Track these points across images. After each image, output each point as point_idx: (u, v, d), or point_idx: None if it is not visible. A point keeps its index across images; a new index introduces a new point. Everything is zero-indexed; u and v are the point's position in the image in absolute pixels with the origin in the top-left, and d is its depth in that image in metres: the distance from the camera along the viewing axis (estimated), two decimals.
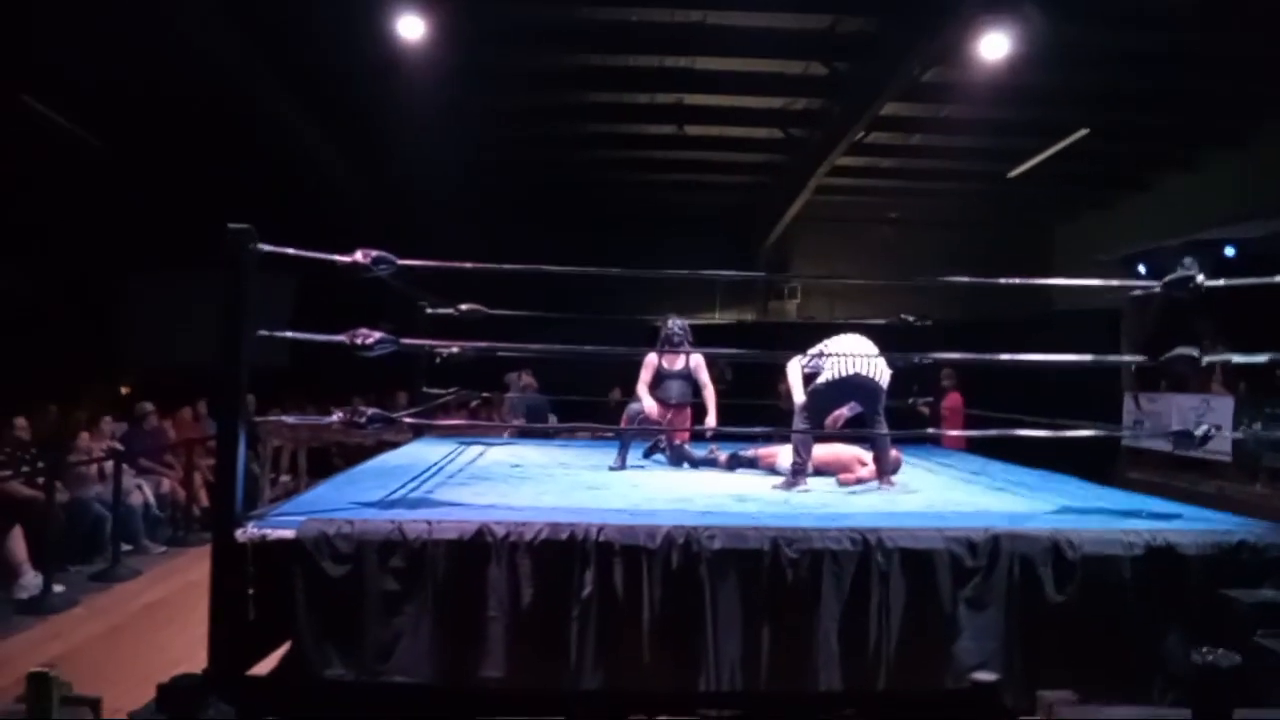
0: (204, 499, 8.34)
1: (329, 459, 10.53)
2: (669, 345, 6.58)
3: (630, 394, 11.72)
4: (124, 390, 10.92)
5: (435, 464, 6.32)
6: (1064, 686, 3.21)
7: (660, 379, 6.59)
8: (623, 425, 6.74)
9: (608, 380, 12.27)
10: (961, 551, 4.02)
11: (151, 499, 7.48)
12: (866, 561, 3.99)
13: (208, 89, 9.80)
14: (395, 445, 9.10)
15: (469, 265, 4.77)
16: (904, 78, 9.33)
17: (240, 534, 3.87)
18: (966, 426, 7.92)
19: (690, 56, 9.83)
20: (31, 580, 5.74)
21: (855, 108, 10.24)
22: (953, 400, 8.65)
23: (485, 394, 9.08)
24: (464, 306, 7.64)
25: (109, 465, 7.07)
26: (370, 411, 4.30)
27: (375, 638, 3.86)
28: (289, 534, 3.90)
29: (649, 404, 6.49)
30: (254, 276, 3.99)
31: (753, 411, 6.81)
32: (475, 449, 7.48)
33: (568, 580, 3.91)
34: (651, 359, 6.61)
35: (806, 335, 6.40)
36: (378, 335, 4.31)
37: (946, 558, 4.00)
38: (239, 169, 11.56)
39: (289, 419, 5.55)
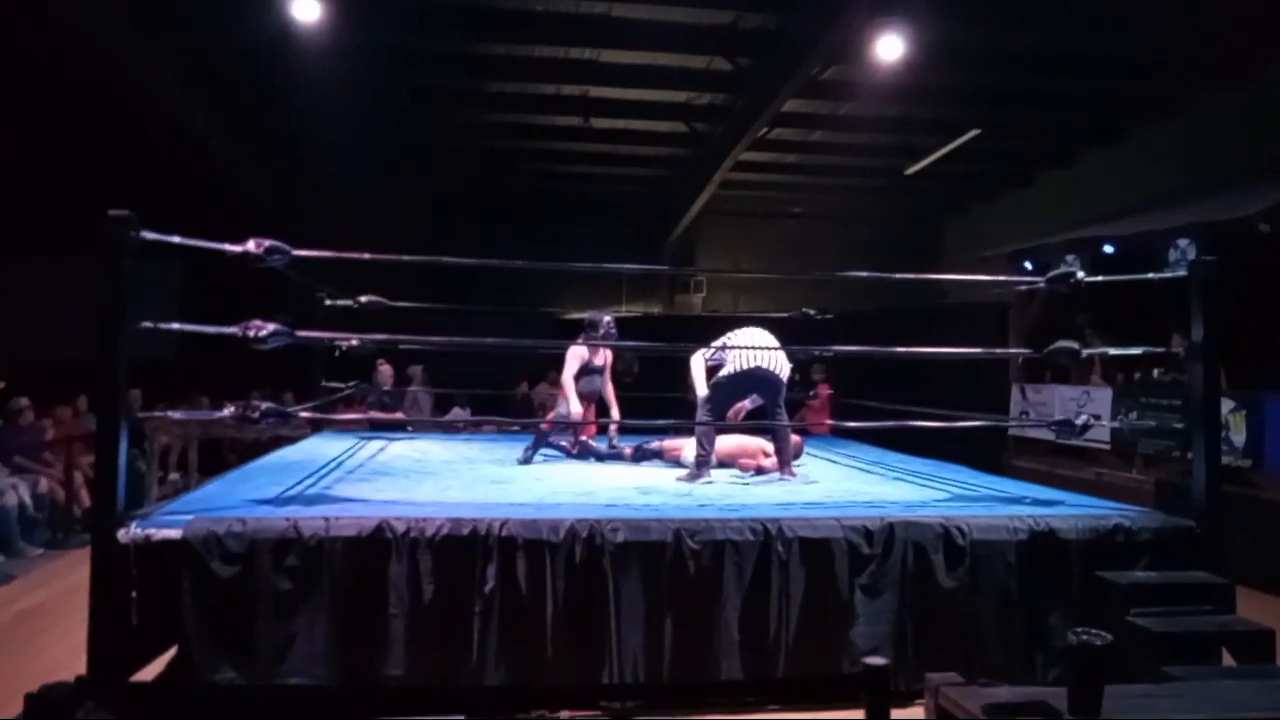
0: (85, 499, 7.94)
1: (222, 456, 10.16)
2: (600, 339, 6.46)
3: (535, 386, 11.72)
4: None
5: (334, 459, 6.16)
6: (955, 667, 3.34)
7: (585, 373, 6.50)
8: (545, 426, 6.67)
9: (514, 372, 12.20)
10: (858, 540, 4.13)
11: (28, 499, 7.07)
12: (767, 551, 4.06)
13: (90, 67, 9.32)
14: (292, 441, 8.87)
15: (366, 256, 4.65)
16: (804, 75, 9.49)
17: (123, 534, 3.70)
18: (838, 416, 8.18)
19: (595, 49, 9.79)
20: None
21: (757, 103, 10.37)
22: (823, 391, 9.17)
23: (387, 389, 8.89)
24: (364, 298, 7.47)
25: None
26: (265, 406, 4.15)
27: (268, 640, 3.75)
28: (175, 534, 3.75)
29: (576, 407, 6.35)
30: (134, 265, 3.80)
31: (658, 404, 6.81)
32: (376, 443, 7.32)
33: (470, 576, 3.87)
34: (580, 352, 6.46)
35: (711, 328, 6.45)
36: (271, 327, 4.16)
37: (844, 545, 4.11)
38: (123, 152, 11.04)
39: (176, 414, 5.29)
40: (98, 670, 3.59)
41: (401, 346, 8.31)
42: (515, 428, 9.81)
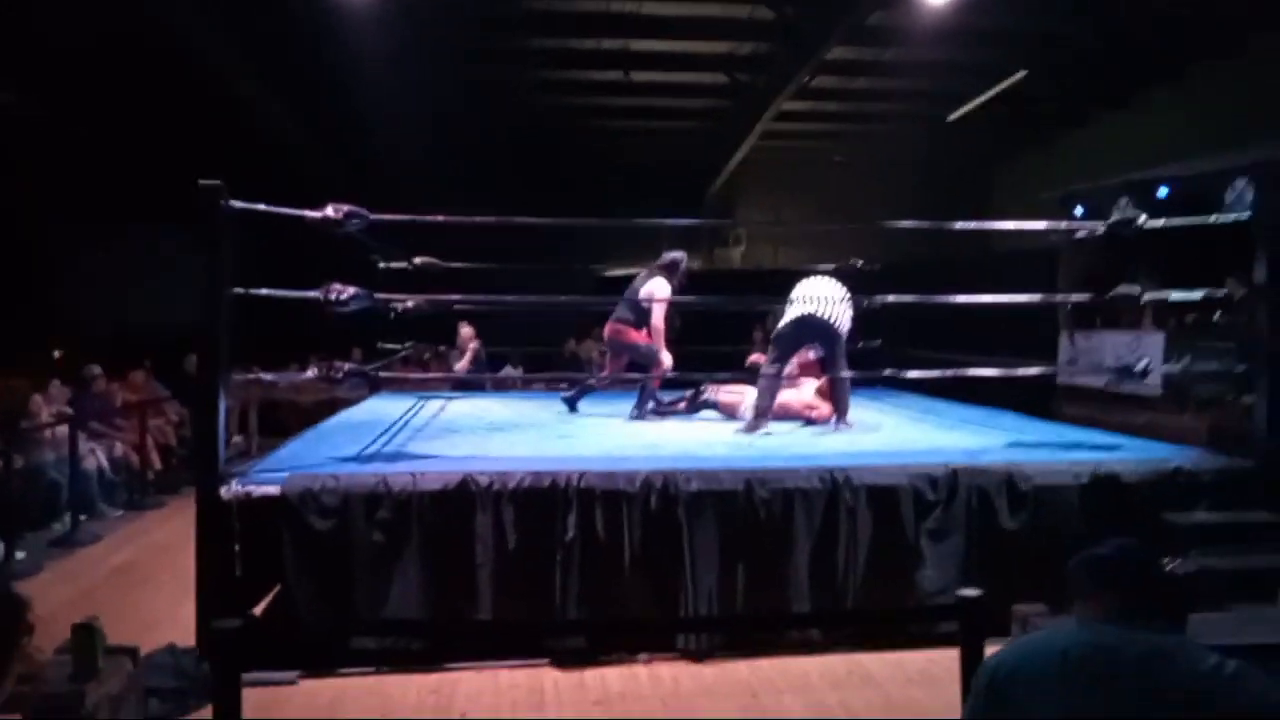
0: (157, 462, 8.25)
1: (281, 418, 10.44)
2: (679, 280, 6.44)
3: (581, 343, 11.85)
4: (57, 355, 10.63)
5: (401, 419, 6.36)
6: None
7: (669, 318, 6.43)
8: (655, 383, 6.49)
9: (559, 330, 12.33)
10: (923, 486, 4.25)
11: (105, 463, 7.37)
12: (835, 499, 4.20)
13: (146, 42, 9.46)
14: (349, 402, 9.09)
15: (440, 218, 4.77)
16: (849, 21, 9.39)
17: (225, 491, 3.91)
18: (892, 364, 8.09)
19: (636, 1, 9.77)
20: None
21: (801, 52, 10.28)
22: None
23: (440, 347, 9.06)
24: (418, 260, 7.60)
25: (59, 430, 6.95)
26: (347, 366, 4.33)
27: (364, 589, 3.97)
28: (274, 490, 3.96)
29: (668, 357, 6.29)
30: (228, 234, 3.97)
31: (703, 358, 6.85)
32: (435, 403, 7.51)
33: (550, 525, 4.05)
34: (665, 292, 6.34)
35: (751, 282, 6.51)
36: (352, 290, 4.33)
37: (910, 492, 4.24)
38: (181, 126, 11.21)
39: (268, 376, 5.50)
40: (207, 619, 3.83)
41: (456, 307, 8.45)
42: (564, 384, 10.01)
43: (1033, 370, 5.85)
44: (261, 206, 4.12)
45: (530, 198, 11.79)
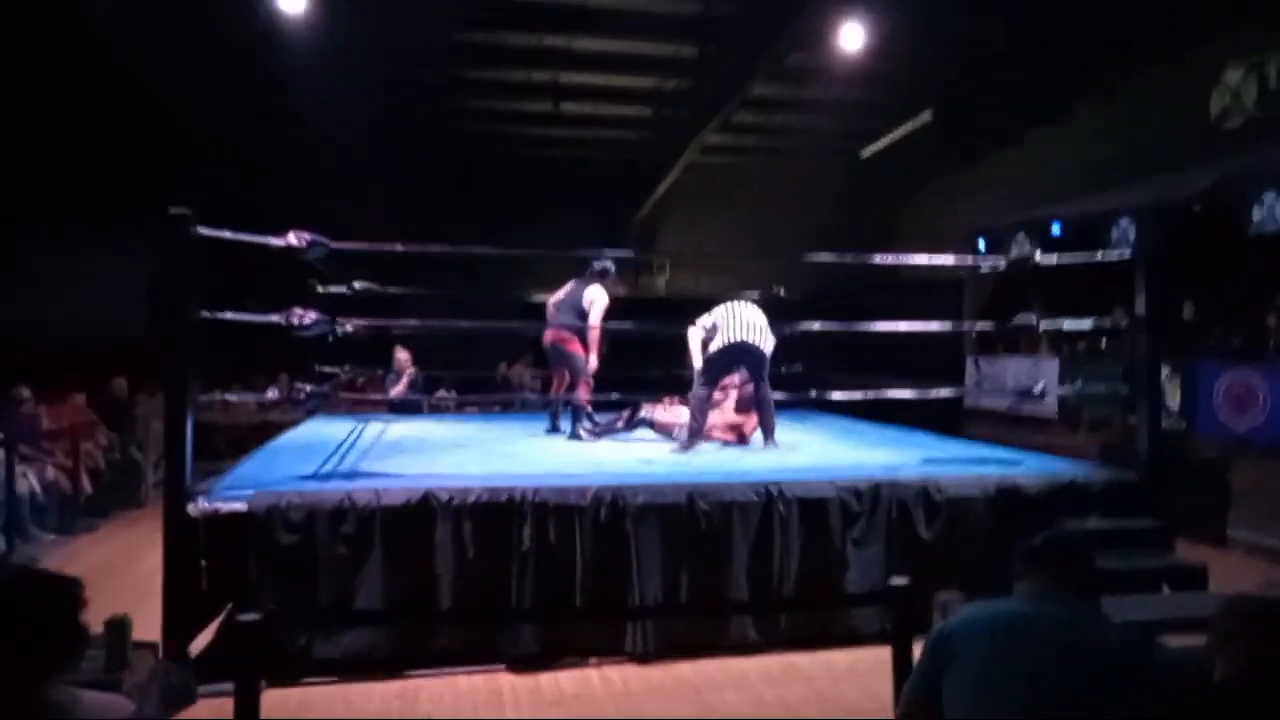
0: (88, 486, 8.16)
1: (213, 440, 10.38)
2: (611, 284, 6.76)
3: (512, 367, 12.06)
4: None
5: (346, 440, 6.51)
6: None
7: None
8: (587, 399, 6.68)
9: (488, 354, 12.53)
10: (849, 498, 4.66)
11: (37, 487, 7.30)
12: (769, 510, 4.56)
13: (67, 46, 9.38)
14: (279, 425, 9.14)
15: (399, 248, 5.01)
16: (770, 62, 9.93)
17: (192, 508, 4.06)
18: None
19: (568, 35, 10.13)
20: None
21: (723, 89, 10.80)
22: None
23: (378, 371, 9.21)
24: (358, 285, 7.77)
25: None
26: (309, 388, 4.53)
27: (329, 600, 4.15)
28: (241, 507, 4.12)
29: (595, 362, 6.55)
30: (194, 259, 4.14)
31: (629, 383, 7.14)
32: (376, 425, 7.66)
33: (507, 537, 4.31)
34: (604, 299, 6.63)
35: (675, 309, 6.86)
36: (314, 315, 4.54)
37: (837, 504, 4.63)
38: (102, 141, 11.11)
39: (233, 397, 5.60)
40: (174, 632, 3.97)
41: (394, 332, 8.61)
42: (496, 407, 10.24)
43: (944, 392, 6.34)
44: (227, 234, 4.29)
45: (456, 224, 12.00)
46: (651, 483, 4.61)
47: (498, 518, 4.30)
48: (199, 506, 4.07)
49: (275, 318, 4.51)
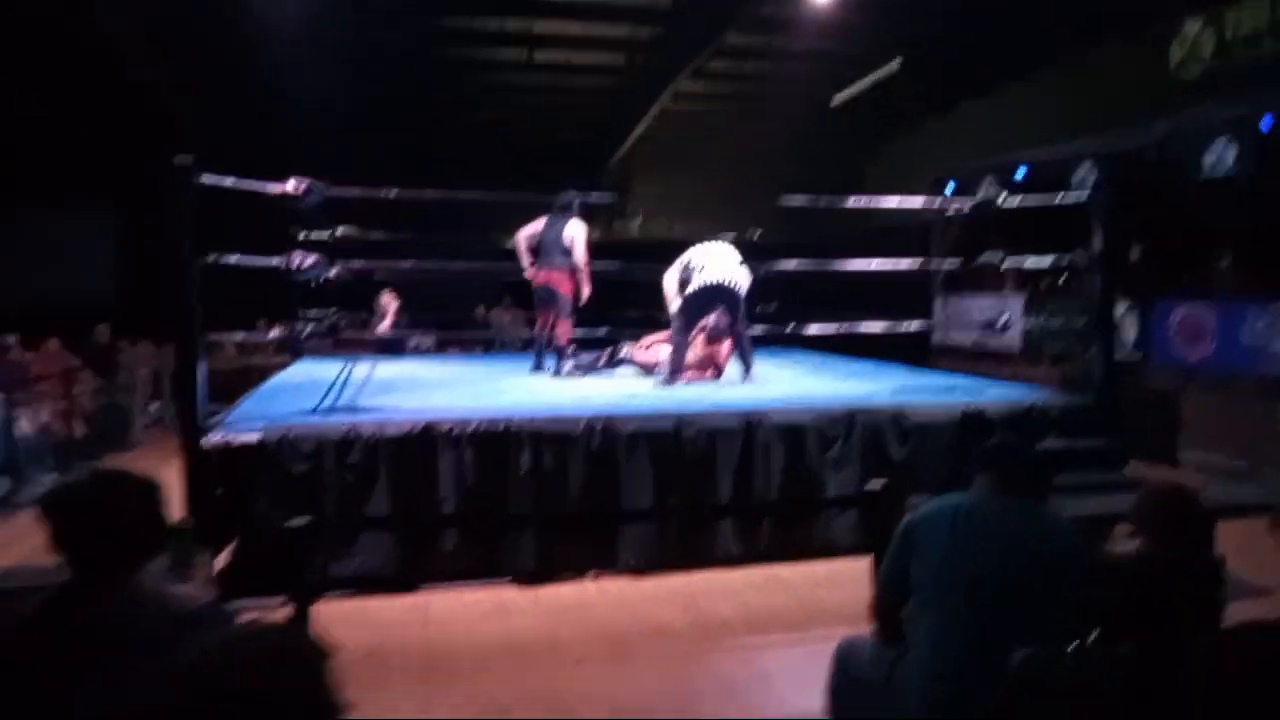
0: (81, 429, 8.32)
1: None
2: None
3: (491, 310, 12.25)
4: None
5: (338, 379, 6.68)
6: None
7: None
8: (565, 341, 6.89)
9: (467, 298, 12.72)
10: (825, 424, 4.96)
11: (30, 430, 7.45)
12: (751, 436, 4.86)
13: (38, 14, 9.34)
14: (262, 369, 9.30)
15: (393, 193, 5.19)
16: (744, 10, 10.07)
17: (206, 441, 4.28)
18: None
19: None
20: None
21: (696, 38, 10.93)
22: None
23: (362, 314, 9.38)
24: (340, 231, 7.90)
25: None
26: (309, 327, 4.73)
27: (339, 523, 4.40)
28: (253, 438, 4.35)
29: (587, 291, 6.80)
30: (197, 208, 4.30)
31: (607, 321, 7.37)
32: (363, 366, 7.81)
33: (505, 463, 4.57)
34: (585, 231, 6.87)
35: (648, 252, 7.08)
36: (313, 259, 4.73)
37: (814, 430, 4.94)
38: (73, 96, 11.04)
39: (237, 336, 5.78)
40: None
41: (376, 277, 8.76)
42: (477, 348, 10.47)
43: (914, 326, 6.65)
44: (229, 181, 4.46)
45: (433, 171, 12.09)
46: (640, 412, 4.88)
47: (496, 446, 4.56)
48: (212, 439, 4.29)
49: (276, 261, 4.69)
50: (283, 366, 8.47)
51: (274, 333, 4.88)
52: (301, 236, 8.29)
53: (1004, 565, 2.19)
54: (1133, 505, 2.33)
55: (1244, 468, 6.59)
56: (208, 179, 4.33)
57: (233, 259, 4.51)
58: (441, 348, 10.38)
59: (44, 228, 11.55)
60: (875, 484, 3.06)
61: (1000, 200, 5.64)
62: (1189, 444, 7.18)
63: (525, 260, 7.11)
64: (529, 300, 7.33)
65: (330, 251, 8.04)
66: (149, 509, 1.97)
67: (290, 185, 4.70)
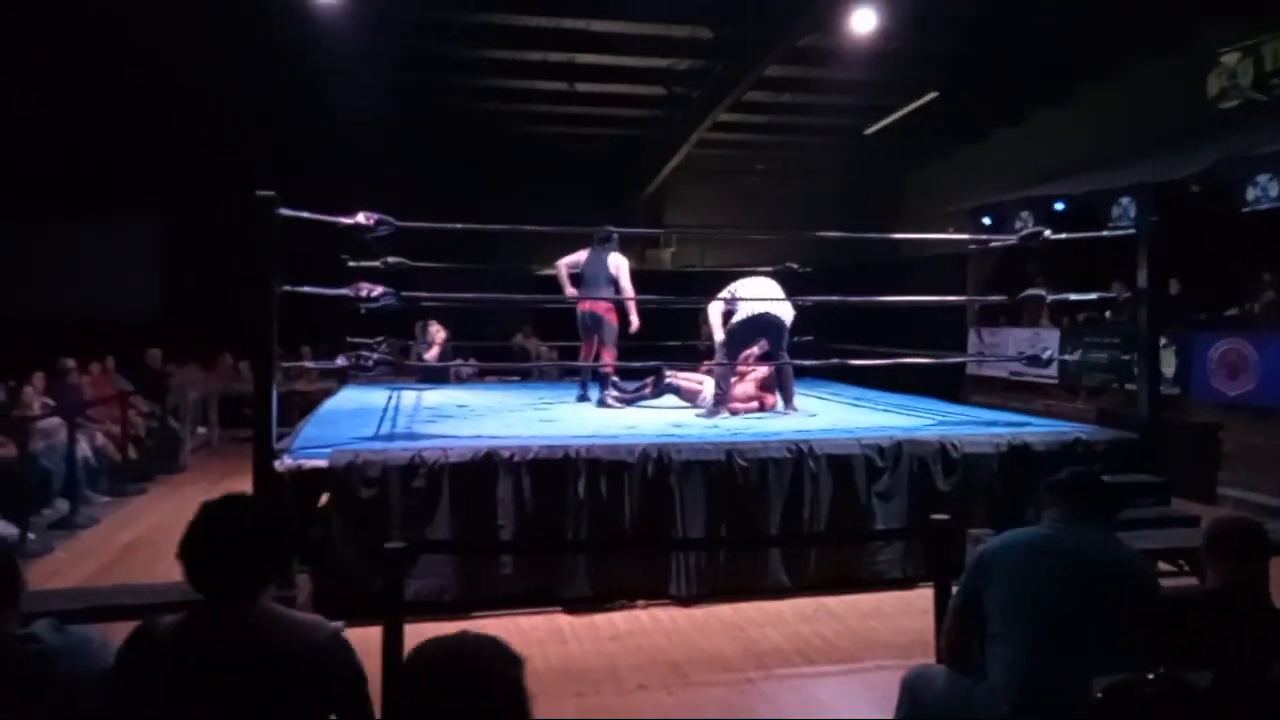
0: (132, 451, 8.54)
1: (239, 410, 10.76)
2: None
3: (529, 338, 12.43)
4: None
5: (390, 407, 6.88)
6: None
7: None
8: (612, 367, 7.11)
9: (500, 326, 12.91)
10: (873, 455, 5.06)
11: (89, 452, 7.67)
12: (800, 466, 4.97)
13: (88, 33, 9.63)
14: (308, 395, 9.51)
15: (459, 226, 5.36)
16: (783, 43, 10.24)
17: (279, 465, 4.44)
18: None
19: (585, 18, 10.42)
20: (4, 529, 5.98)
21: (735, 70, 11.11)
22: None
23: (407, 342, 9.57)
24: (391, 259, 8.10)
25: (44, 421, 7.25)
26: (375, 356, 4.90)
27: (400, 548, 4.53)
28: (322, 463, 4.51)
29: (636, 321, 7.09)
30: (278, 240, 4.49)
31: (652, 351, 7.50)
32: (410, 394, 8.02)
33: (563, 490, 4.71)
34: (626, 263, 7.09)
35: (682, 282, 7.21)
36: (380, 289, 4.90)
37: (862, 461, 5.04)
38: (111, 120, 11.37)
39: (310, 364, 6.02)
40: None
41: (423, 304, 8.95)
42: (515, 376, 10.63)
43: (957, 359, 6.74)
44: (305, 214, 4.65)
45: (466, 200, 12.32)
46: (693, 441, 5.00)
47: (554, 473, 4.69)
48: (284, 463, 4.45)
49: (346, 291, 4.87)
50: (326, 392, 8.69)
51: (340, 360, 5.04)
52: (352, 264, 8.60)
53: (1079, 594, 2.28)
54: (1204, 537, 2.43)
55: None
56: (285, 212, 4.51)
57: (305, 289, 4.67)
58: (480, 376, 10.56)
59: (92, 242, 11.84)
60: (939, 517, 3.15)
61: (1046, 234, 5.72)
62: (1228, 480, 7.21)
63: (568, 288, 7.28)
64: (551, 329, 7.45)
65: (378, 279, 8.34)
66: (276, 533, 2.03)
67: (361, 218, 4.88)
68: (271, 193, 4.42)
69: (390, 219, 4.95)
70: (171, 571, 5.06)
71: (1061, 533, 2.43)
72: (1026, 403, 9.72)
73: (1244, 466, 7.08)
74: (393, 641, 2.86)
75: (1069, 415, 8.74)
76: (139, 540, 6.35)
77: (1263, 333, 7.35)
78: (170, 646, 1.87)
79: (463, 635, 1.45)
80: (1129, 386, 7.98)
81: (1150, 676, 1.96)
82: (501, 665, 1.42)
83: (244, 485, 7.91)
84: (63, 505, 6.96)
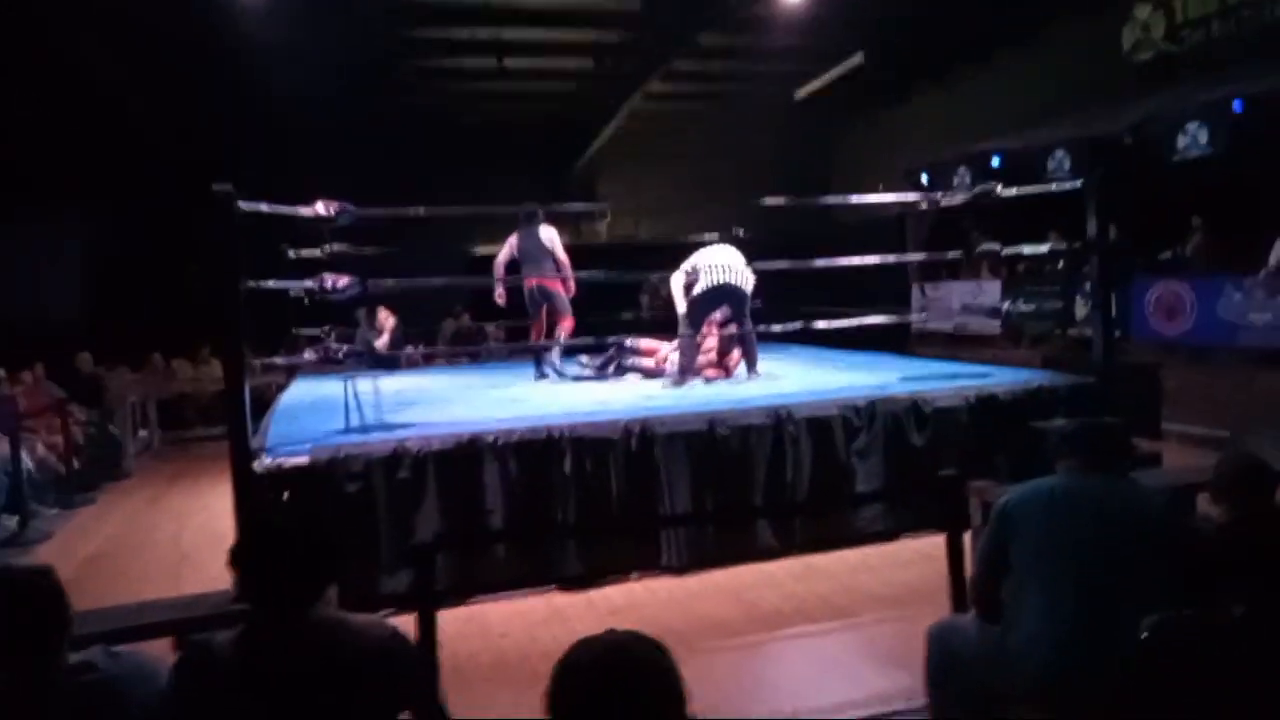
0: (75, 462, 8.20)
1: (179, 411, 10.44)
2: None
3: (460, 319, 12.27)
4: None
5: (350, 397, 6.71)
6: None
7: None
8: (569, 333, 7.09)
9: (438, 308, 12.74)
10: (850, 415, 5.15)
11: (31, 464, 7.35)
12: (780, 430, 5.02)
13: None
14: (259, 389, 9.24)
15: (421, 211, 5.24)
16: (713, 12, 10.23)
17: (258, 465, 4.32)
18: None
19: None
20: None
21: (666, 40, 11.08)
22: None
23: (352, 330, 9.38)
24: (333, 247, 7.90)
25: None
26: (346, 347, 4.79)
27: (389, 540, 4.47)
28: (303, 460, 4.40)
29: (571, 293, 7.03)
30: (238, 235, 4.33)
31: (596, 327, 7.47)
32: (366, 382, 7.84)
33: (549, 470, 4.68)
34: (558, 236, 7.11)
35: (618, 254, 7.19)
36: (345, 280, 4.78)
37: (840, 421, 5.12)
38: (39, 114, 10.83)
39: (280, 360, 5.81)
40: None
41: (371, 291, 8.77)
42: (463, 358, 10.50)
43: (912, 318, 6.87)
44: (264, 207, 4.50)
45: (402, 183, 12.06)
46: (674, 413, 5.02)
47: (540, 454, 4.67)
48: (264, 464, 4.33)
49: (309, 284, 4.74)
50: (272, 387, 8.46)
51: (308, 354, 4.91)
52: (292, 255, 8.36)
53: (1105, 537, 2.36)
54: (1212, 475, 2.53)
55: (1225, 436, 6.93)
56: (245, 205, 4.36)
57: (269, 284, 4.54)
58: (428, 360, 10.40)
59: (10, 244, 11.29)
60: (948, 471, 3.22)
61: (997, 190, 5.86)
62: (1171, 416, 7.51)
63: (500, 286, 7.17)
64: (491, 310, 7.42)
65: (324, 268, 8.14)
66: (323, 543, 1.97)
67: (321, 208, 4.75)
68: (229, 186, 4.26)
69: (350, 207, 4.83)
70: (140, 584, 4.89)
71: (1081, 481, 2.51)
72: (975, 353, 9.98)
73: (1184, 403, 7.39)
74: (427, 633, 2.81)
75: (1017, 362, 8.98)
76: (99, 553, 6.13)
77: (1198, 276, 7.67)
78: (235, 662, 1.82)
79: (612, 633, 1.45)
80: (1071, 333, 8.27)
81: (1189, 613, 2.05)
82: (658, 657, 1.41)
83: (194, 489, 7.82)
84: (10, 522, 6.68)
